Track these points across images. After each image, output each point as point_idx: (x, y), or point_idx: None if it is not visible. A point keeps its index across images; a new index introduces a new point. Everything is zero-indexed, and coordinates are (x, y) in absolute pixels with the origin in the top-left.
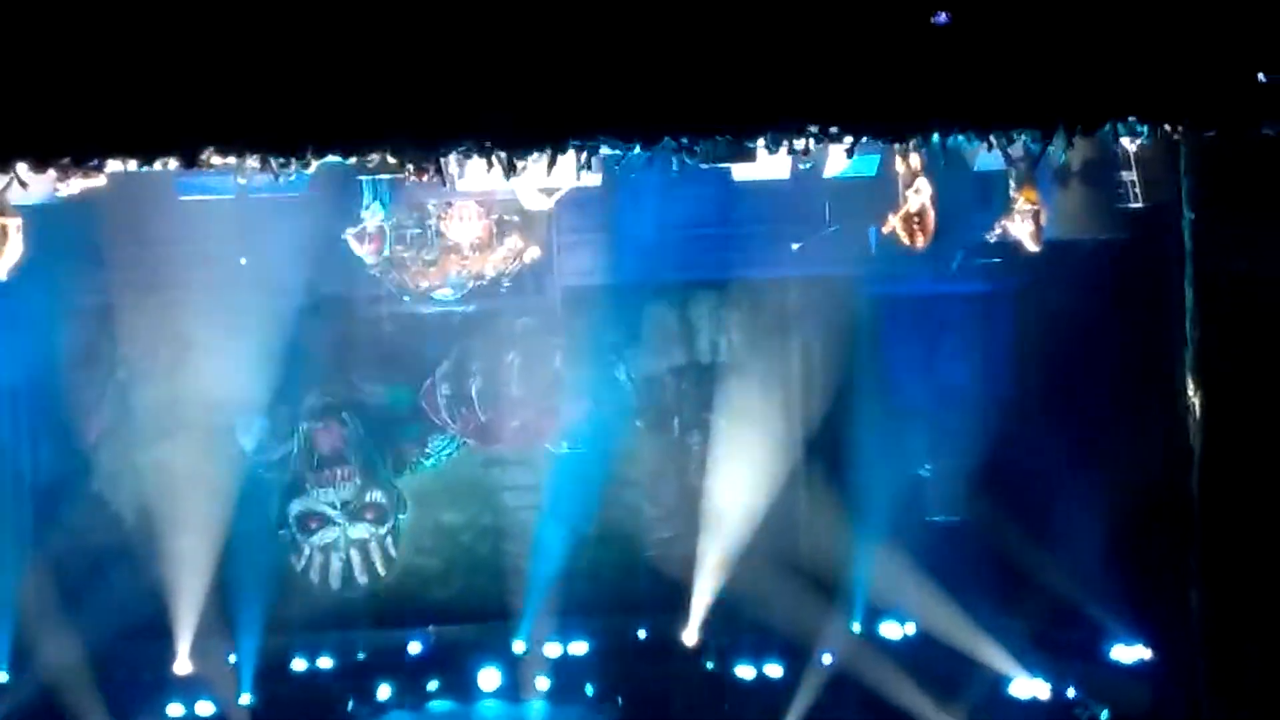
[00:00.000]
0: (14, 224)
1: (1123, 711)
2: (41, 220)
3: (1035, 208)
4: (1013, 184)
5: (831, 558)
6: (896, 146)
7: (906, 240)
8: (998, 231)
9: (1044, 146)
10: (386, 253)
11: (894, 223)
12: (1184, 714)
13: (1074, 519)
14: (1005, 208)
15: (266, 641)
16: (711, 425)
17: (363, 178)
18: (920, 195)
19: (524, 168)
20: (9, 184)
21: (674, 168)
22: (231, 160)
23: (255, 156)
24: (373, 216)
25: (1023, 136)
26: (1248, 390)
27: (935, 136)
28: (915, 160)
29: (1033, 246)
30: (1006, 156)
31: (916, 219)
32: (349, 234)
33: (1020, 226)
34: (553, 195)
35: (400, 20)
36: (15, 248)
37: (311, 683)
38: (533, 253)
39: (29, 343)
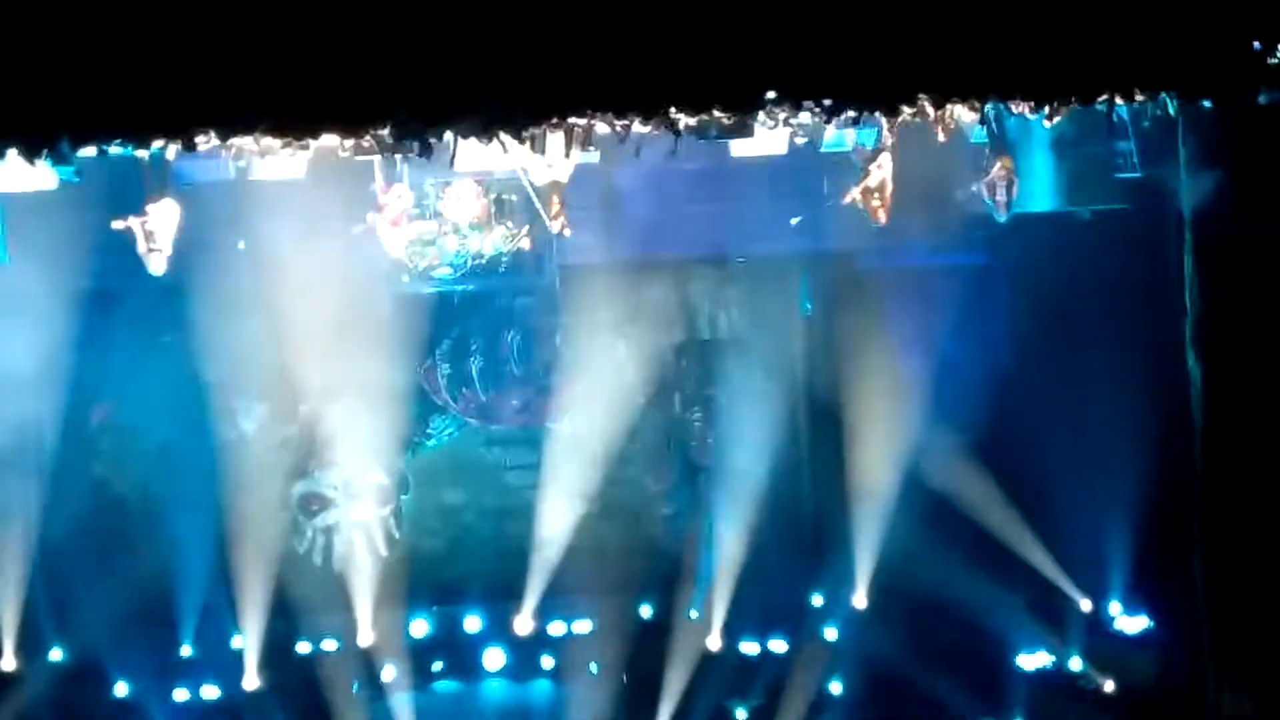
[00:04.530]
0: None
1: (1127, 681)
2: (42, 206)
3: (1009, 176)
4: (987, 150)
5: (834, 531)
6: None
7: (868, 213)
8: (972, 192)
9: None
10: (425, 235)
11: (855, 195)
12: (1188, 683)
13: (1076, 490)
14: (982, 173)
15: (270, 624)
16: (713, 401)
17: (373, 159)
18: (882, 170)
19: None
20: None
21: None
22: (228, 142)
23: (252, 138)
24: (397, 198)
25: (999, 107)
26: (1248, 359)
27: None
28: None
29: (1000, 215)
30: (988, 126)
31: (876, 193)
32: (371, 217)
33: (994, 193)
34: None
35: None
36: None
37: (316, 665)
38: (559, 227)
39: (30, 328)
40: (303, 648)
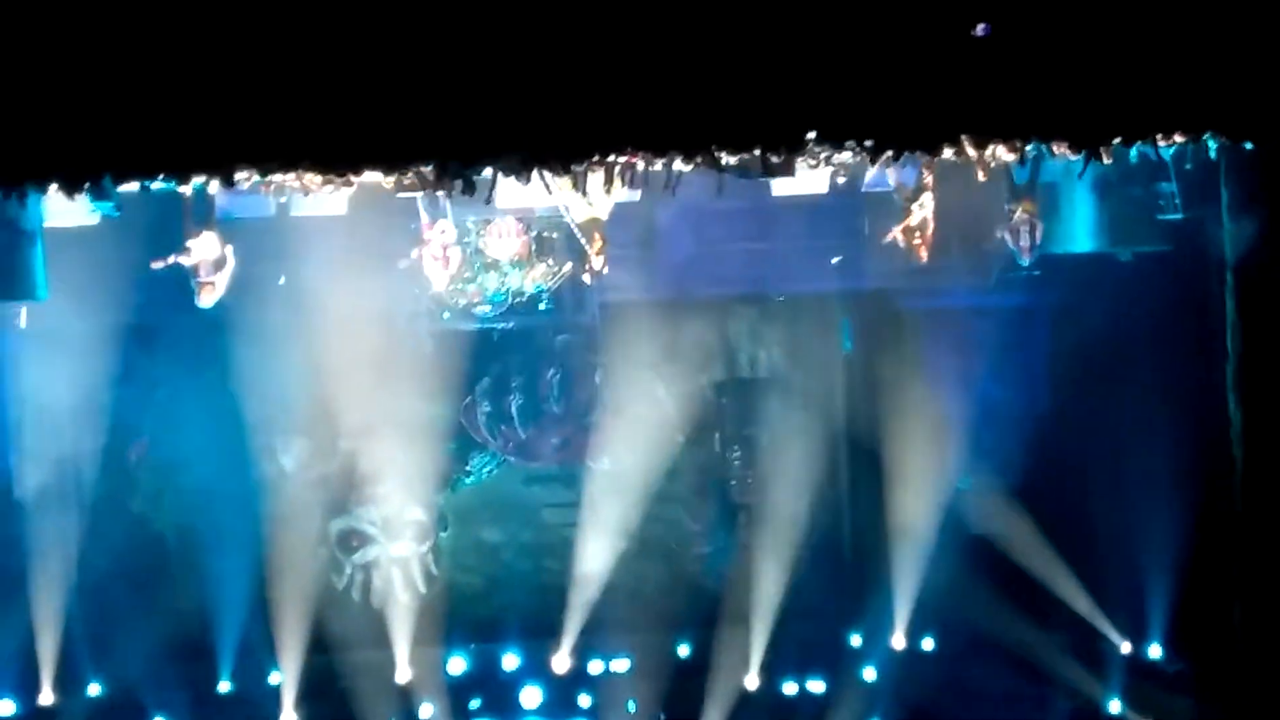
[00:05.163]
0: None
1: None
2: (82, 241)
3: (1031, 220)
4: (1007, 194)
5: (873, 571)
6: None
7: (908, 252)
8: (998, 237)
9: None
10: (466, 272)
11: (896, 234)
12: None
13: (1116, 531)
14: (1004, 218)
15: (309, 660)
16: (752, 440)
17: (415, 195)
18: (924, 209)
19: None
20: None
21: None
22: (268, 179)
23: (293, 175)
24: (442, 235)
25: (1040, 147)
26: None
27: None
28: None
29: (1023, 259)
30: (1005, 172)
31: (918, 232)
32: (417, 253)
33: (1017, 238)
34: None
35: (439, 39)
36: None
37: (354, 701)
38: (600, 264)
39: (70, 363)
40: (340, 684)
